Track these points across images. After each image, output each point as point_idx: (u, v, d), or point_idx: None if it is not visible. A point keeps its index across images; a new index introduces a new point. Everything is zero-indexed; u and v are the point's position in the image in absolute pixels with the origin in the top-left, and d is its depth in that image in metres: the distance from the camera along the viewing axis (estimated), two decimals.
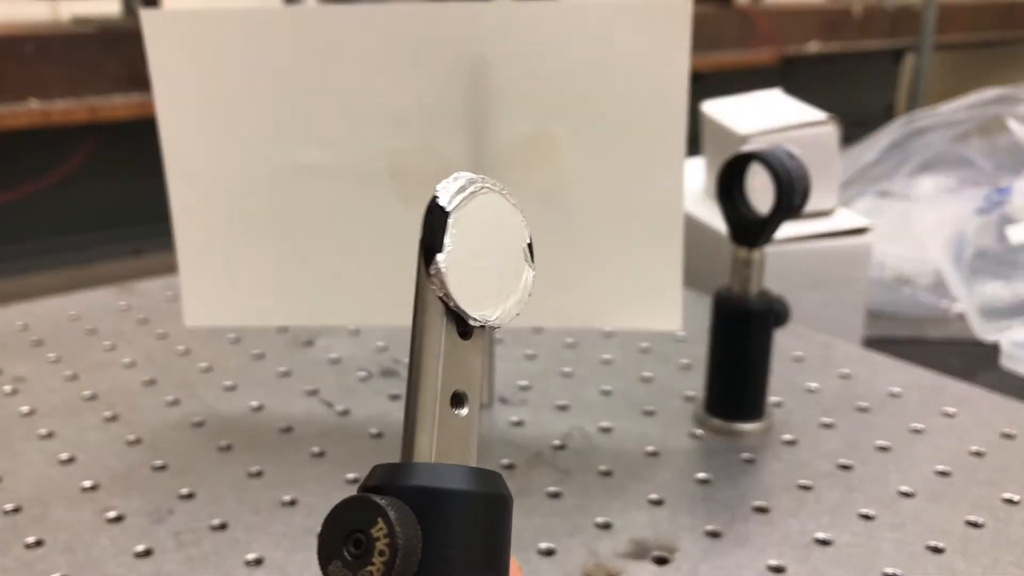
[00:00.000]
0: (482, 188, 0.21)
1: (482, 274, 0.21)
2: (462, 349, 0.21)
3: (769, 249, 0.53)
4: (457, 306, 0.21)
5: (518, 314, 0.22)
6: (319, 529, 0.45)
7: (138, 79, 1.61)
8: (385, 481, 0.21)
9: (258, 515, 0.46)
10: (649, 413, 0.57)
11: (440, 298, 0.21)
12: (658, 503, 0.47)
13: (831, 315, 0.77)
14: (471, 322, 0.21)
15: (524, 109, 0.50)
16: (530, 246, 0.22)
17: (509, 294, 0.22)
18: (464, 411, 0.22)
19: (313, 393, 0.60)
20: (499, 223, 0.22)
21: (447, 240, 0.20)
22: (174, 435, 0.54)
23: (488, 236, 0.21)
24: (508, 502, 0.22)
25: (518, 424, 0.56)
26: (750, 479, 0.50)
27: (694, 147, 0.75)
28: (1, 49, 1.54)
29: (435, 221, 0.20)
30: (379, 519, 0.19)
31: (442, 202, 0.21)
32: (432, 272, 0.20)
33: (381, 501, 0.20)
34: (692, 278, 0.67)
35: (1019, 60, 3.23)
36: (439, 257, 0.20)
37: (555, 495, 0.48)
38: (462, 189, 0.21)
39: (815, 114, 0.80)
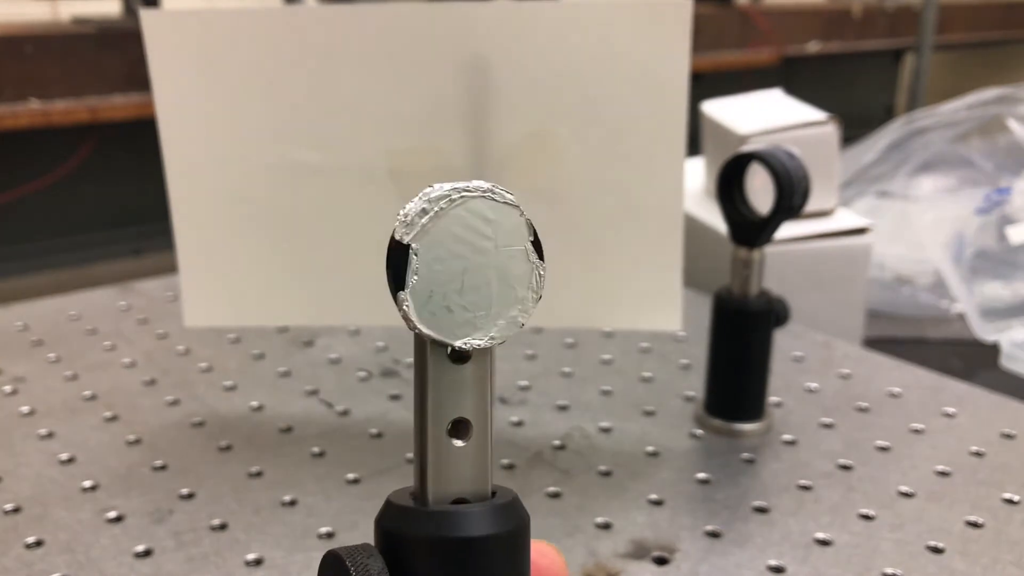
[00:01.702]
0: (456, 201, 0.19)
1: (466, 294, 0.20)
2: (458, 375, 0.20)
3: (769, 249, 0.53)
4: (433, 338, 0.20)
5: (523, 325, 0.20)
6: (319, 530, 0.45)
7: (138, 79, 1.61)
8: (396, 527, 0.20)
9: (258, 515, 0.46)
10: (649, 413, 0.57)
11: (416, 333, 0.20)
12: (658, 503, 0.47)
13: (831, 315, 0.77)
14: (457, 348, 0.20)
15: (524, 109, 0.50)
16: (535, 243, 0.20)
17: (510, 303, 0.20)
18: (466, 440, 0.21)
19: (313, 393, 0.60)
20: (486, 231, 0.20)
21: (410, 274, 0.19)
22: (174, 435, 0.54)
23: (472, 249, 0.20)
24: (524, 530, 0.21)
25: (518, 424, 0.56)
26: (750, 479, 0.50)
27: (694, 147, 0.75)
28: (1, 49, 1.54)
29: (394, 258, 0.19)
30: None
31: (398, 235, 0.19)
32: (400, 310, 0.19)
33: (345, 557, 0.20)
34: (692, 278, 0.67)
35: (1019, 60, 3.23)
36: (401, 295, 0.19)
37: (555, 495, 0.48)
38: (424, 212, 0.19)
39: (815, 114, 0.80)
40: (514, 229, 0.20)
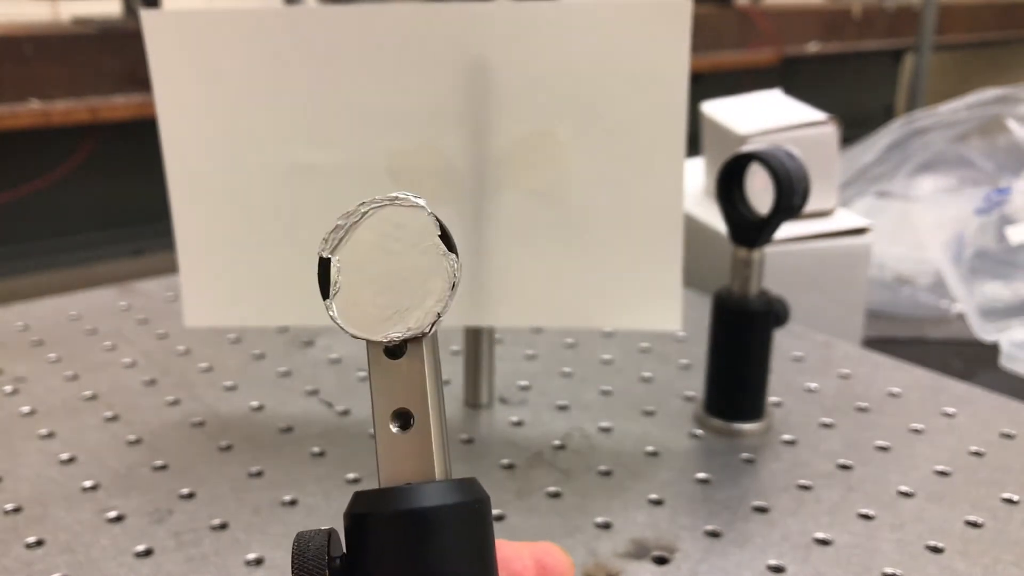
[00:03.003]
0: (367, 213, 0.22)
1: (384, 293, 0.22)
2: (394, 369, 0.22)
3: (769, 249, 0.53)
4: (361, 337, 0.22)
5: (440, 314, 0.22)
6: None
7: (138, 79, 1.61)
8: (353, 511, 0.22)
9: (258, 515, 0.46)
10: (649, 413, 0.57)
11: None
12: (658, 503, 0.47)
13: (831, 315, 0.77)
14: (383, 343, 0.22)
15: (524, 109, 0.50)
16: (443, 236, 0.22)
17: (423, 297, 0.22)
18: (407, 429, 0.22)
19: (313, 393, 0.60)
20: (397, 234, 0.22)
21: (333, 284, 0.22)
22: (174, 435, 0.54)
23: (385, 254, 0.22)
24: (476, 506, 0.22)
25: (518, 424, 0.56)
26: (750, 479, 0.50)
27: (694, 147, 0.75)
28: (1, 49, 1.54)
29: (320, 271, 0.22)
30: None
31: (319, 250, 0.22)
32: (329, 314, 0.22)
33: (297, 538, 0.22)
34: (692, 278, 0.67)
35: (1019, 60, 3.23)
36: (326, 303, 0.22)
37: (555, 495, 0.48)
38: (338, 228, 0.22)
39: (815, 114, 0.80)
40: (421, 228, 0.22)
